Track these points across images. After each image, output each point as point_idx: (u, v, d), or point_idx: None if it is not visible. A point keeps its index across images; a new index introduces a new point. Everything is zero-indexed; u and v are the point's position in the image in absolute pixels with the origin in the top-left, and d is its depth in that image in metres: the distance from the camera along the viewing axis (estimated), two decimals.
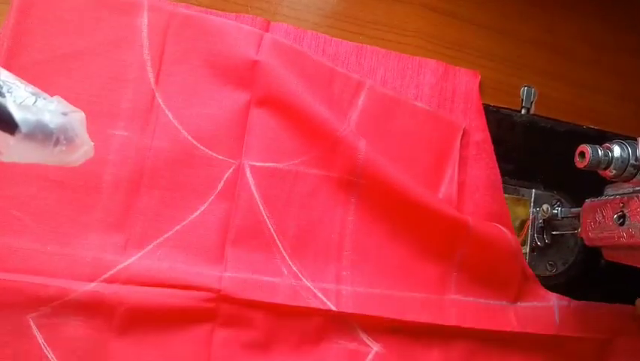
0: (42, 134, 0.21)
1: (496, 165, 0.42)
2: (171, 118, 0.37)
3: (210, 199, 0.37)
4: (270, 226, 0.37)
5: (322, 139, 0.38)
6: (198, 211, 0.36)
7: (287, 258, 0.37)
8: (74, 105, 0.33)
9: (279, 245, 0.37)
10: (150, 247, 0.35)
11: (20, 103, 0.22)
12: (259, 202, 0.37)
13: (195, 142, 0.37)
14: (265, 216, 0.37)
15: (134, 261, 0.35)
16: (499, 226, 0.41)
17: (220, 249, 0.36)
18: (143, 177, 0.36)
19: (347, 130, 0.38)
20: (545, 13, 0.48)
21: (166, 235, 0.36)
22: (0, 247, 0.33)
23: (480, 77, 0.44)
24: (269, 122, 0.38)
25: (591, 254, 0.42)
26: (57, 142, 0.22)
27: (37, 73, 0.35)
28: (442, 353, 0.38)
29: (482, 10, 0.46)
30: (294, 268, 0.37)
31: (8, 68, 0.34)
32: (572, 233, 0.43)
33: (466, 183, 0.41)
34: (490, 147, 0.42)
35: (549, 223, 0.43)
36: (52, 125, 0.22)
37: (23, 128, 0.21)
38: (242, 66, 0.38)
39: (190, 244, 0.36)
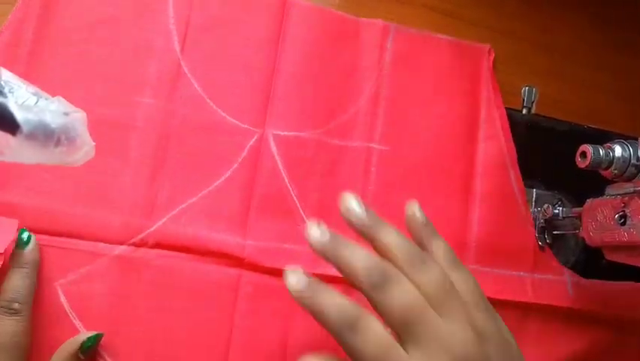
0: (43, 135, 0.22)
1: (512, 142, 0.43)
2: (196, 86, 0.38)
3: (234, 167, 0.37)
4: (292, 194, 0.38)
5: (344, 109, 0.40)
6: (222, 178, 0.37)
7: None
8: (102, 72, 0.36)
9: (302, 213, 0.38)
10: (175, 212, 0.36)
11: (22, 103, 0.22)
12: (282, 170, 0.38)
13: (220, 110, 0.38)
14: (288, 184, 0.38)
15: (160, 225, 0.35)
16: (515, 196, 0.42)
17: (243, 216, 0.37)
18: (169, 144, 0.37)
19: (368, 96, 0.40)
20: (546, 13, 0.48)
21: (190, 201, 0.36)
22: (30, 208, 0.34)
23: (494, 53, 0.44)
24: (293, 93, 0.39)
25: (592, 254, 0.42)
26: (58, 142, 0.22)
27: (67, 40, 0.36)
28: None
29: (482, 10, 0.46)
30: None
31: (39, 35, 0.36)
32: (573, 233, 0.43)
33: (483, 161, 0.42)
34: (506, 124, 0.43)
35: (550, 223, 0.43)
36: (53, 126, 0.22)
37: (25, 128, 0.21)
38: (266, 35, 0.39)
39: (214, 210, 0.37)
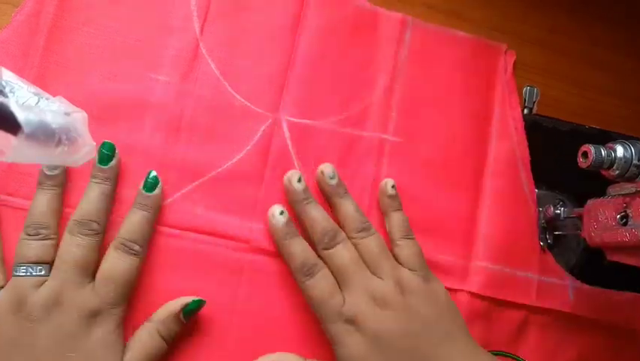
0: (44, 135, 0.22)
1: (526, 143, 0.43)
2: (213, 68, 0.38)
3: (246, 149, 0.38)
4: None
5: (358, 99, 0.40)
6: (234, 160, 0.37)
7: None
8: (121, 48, 0.37)
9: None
10: (185, 190, 0.36)
11: (23, 103, 0.22)
12: (293, 156, 0.38)
13: (235, 93, 0.38)
14: (298, 170, 0.38)
15: (169, 203, 0.36)
16: (526, 197, 0.42)
17: (252, 199, 0.37)
18: (183, 122, 0.37)
19: (383, 88, 0.41)
20: (547, 13, 0.48)
21: (201, 180, 0.37)
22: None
23: (515, 55, 0.45)
24: (308, 80, 0.39)
25: (594, 255, 0.42)
26: (59, 142, 0.22)
27: (88, 16, 0.37)
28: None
29: (484, 10, 0.46)
30: None
31: (61, 9, 0.36)
32: (574, 234, 0.43)
33: (494, 159, 0.42)
34: (521, 125, 0.43)
35: (551, 224, 0.43)
36: (54, 126, 0.22)
37: (26, 128, 0.21)
38: (285, 22, 0.40)
39: (223, 191, 0.37)
